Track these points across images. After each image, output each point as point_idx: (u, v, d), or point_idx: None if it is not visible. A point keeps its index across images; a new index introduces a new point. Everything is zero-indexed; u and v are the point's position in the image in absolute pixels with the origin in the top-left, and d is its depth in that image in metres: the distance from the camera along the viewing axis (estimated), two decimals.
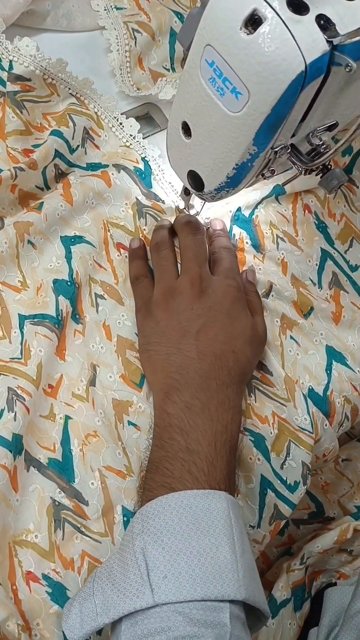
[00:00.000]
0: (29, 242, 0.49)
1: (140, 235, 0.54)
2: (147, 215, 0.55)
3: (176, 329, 0.48)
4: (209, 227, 0.55)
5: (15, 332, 0.47)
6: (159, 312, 0.49)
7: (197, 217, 0.54)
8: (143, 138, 0.57)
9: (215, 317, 0.48)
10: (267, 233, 0.56)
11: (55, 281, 0.49)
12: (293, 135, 0.41)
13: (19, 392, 0.44)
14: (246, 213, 0.56)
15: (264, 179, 0.44)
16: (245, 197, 0.56)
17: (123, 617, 0.38)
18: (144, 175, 0.55)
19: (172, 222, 0.54)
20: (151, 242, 0.53)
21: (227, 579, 0.38)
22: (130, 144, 0.56)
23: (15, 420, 0.43)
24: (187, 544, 0.39)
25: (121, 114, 0.57)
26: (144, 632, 0.37)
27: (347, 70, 0.35)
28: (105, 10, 0.60)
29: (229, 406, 0.46)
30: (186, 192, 0.52)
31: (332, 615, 0.57)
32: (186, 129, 0.43)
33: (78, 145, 0.54)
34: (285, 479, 0.49)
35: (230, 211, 0.56)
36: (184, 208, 0.54)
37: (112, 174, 0.54)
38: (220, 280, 0.50)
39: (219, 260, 0.52)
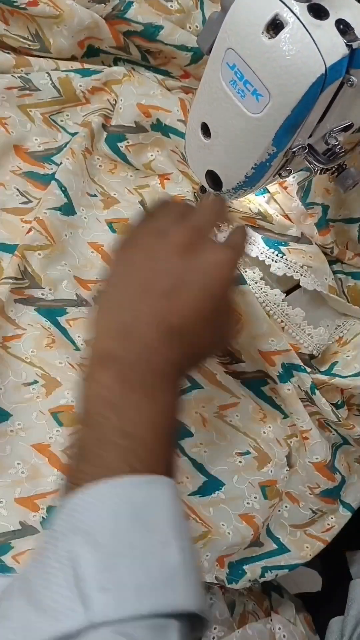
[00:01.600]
0: None
1: None
2: None
3: (139, 278, 0.39)
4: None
5: None
6: (135, 252, 0.40)
7: None
8: None
9: (190, 284, 0.38)
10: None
11: None
12: (310, 136, 0.42)
13: None
14: None
15: (281, 178, 0.45)
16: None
17: None
18: None
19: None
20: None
21: (178, 586, 0.30)
22: None
23: None
24: (128, 544, 0.31)
25: None
26: None
27: (349, 85, 0.37)
28: None
29: (172, 385, 0.38)
30: (202, 190, 0.53)
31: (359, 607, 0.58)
32: (205, 130, 0.44)
33: None
34: None
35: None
36: None
37: None
38: (219, 248, 0.40)
39: (232, 234, 0.44)
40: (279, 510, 0.54)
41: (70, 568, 0.29)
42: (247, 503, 0.52)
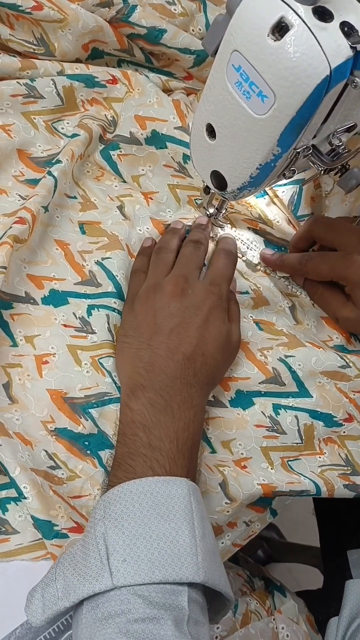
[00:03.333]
0: None
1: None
2: None
3: (150, 324, 0.49)
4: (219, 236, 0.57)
5: None
6: (139, 306, 0.50)
7: (214, 217, 0.56)
8: None
9: (190, 318, 0.49)
10: None
11: None
12: (314, 137, 0.42)
13: None
14: None
15: (285, 178, 0.46)
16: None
17: (84, 601, 0.39)
18: None
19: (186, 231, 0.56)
20: (157, 243, 0.56)
21: (186, 562, 0.39)
22: None
23: None
24: (147, 529, 0.40)
25: None
26: (104, 615, 0.38)
27: (353, 86, 0.38)
28: None
29: (191, 405, 0.47)
30: (206, 191, 0.54)
31: (353, 607, 0.58)
32: (211, 131, 0.45)
33: None
34: None
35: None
36: (204, 206, 0.56)
37: None
38: (204, 285, 0.51)
39: (213, 263, 0.53)
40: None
41: (103, 545, 0.39)
42: None
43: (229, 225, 0.58)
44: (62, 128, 0.58)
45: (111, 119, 0.59)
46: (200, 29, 0.61)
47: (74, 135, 0.56)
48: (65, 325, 0.51)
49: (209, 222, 0.56)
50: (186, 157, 0.58)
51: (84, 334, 0.51)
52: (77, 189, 0.57)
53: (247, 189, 0.46)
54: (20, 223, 0.49)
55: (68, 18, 0.55)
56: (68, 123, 0.58)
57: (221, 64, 0.41)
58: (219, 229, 0.57)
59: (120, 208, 0.57)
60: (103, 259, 0.54)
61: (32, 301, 0.51)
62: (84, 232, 0.55)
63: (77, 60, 0.59)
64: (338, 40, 0.36)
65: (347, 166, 0.46)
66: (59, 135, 0.58)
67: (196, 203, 0.59)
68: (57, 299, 0.51)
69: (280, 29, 0.37)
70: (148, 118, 0.57)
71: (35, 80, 0.57)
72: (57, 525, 0.46)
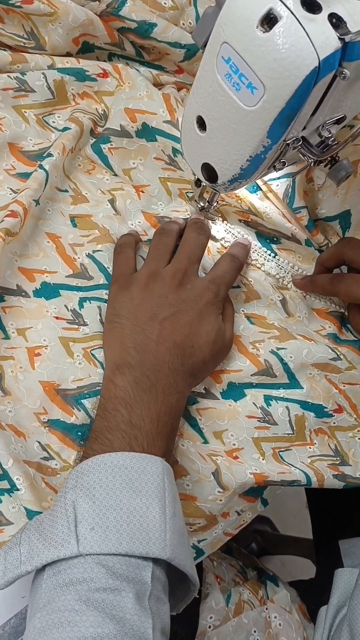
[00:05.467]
0: None
1: None
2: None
3: (147, 310, 0.50)
4: (235, 239, 0.58)
5: None
6: (137, 290, 0.51)
7: (206, 209, 0.56)
8: None
9: (185, 311, 0.50)
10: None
11: None
12: (304, 128, 0.43)
13: None
14: None
15: (275, 170, 0.46)
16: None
17: (46, 567, 0.39)
18: None
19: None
20: (159, 228, 0.56)
21: (154, 538, 0.39)
22: None
23: None
24: (118, 501, 0.40)
25: None
26: (65, 581, 0.37)
27: (341, 77, 0.38)
28: None
29: (175, 390, 0.47)
30: (197, 184, 0.54)
31: (341, 596, 0.59)
32: (201, 123, 0.45)
33: None
34: None
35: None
36: (195, 199, 0.56)
37: None
38: (203, 282, 0.52)
39: (217, 265, 0.54)
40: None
41: (72, 513, 0.39)
42: None
43: (220, 218, 0.59)
44: (53, 122, 0.58)
45: (102, 112, 0.59)
46: (190, 23, 0.61)
47: (65, 129, 0.56)
48: (57, 318, 0.51)
49: (203, 217, 0.57)
50: (176, 151, 0.58)
51: (76, 326, 0.51)
52: (68, 182, 0.57)
53: (238, 181, 0.46)
54: (11, 216, 0.49)
55: (58, 12, 0.55)
56: (59, 117, 0.58)
57: (211, 56, 0.41)
58: (210, 221, 0.58)
59: (112, 202, 0.57)
60: (94, 251, 0.54)
61: (23, 294, 0.51)
62: (75, 225, 0.55)
63: (68, 54, 0.59)
64: (326, 32, 0.37)
65: (337, 158, 0.46)
66: (50, 129, 0.58)
67: (187, 196, 0.59)
68: (48, 291, 0.52)
69: (269, 20, 0.37)
70: (138, 111, 0.57)
71: (26, 74, 0.57)
72: None
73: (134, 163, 0.59)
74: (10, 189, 0.55)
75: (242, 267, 0.56)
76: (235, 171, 0.45)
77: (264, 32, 0.37)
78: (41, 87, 0.57)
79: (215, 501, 0.50)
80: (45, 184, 0.54)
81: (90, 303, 0.52)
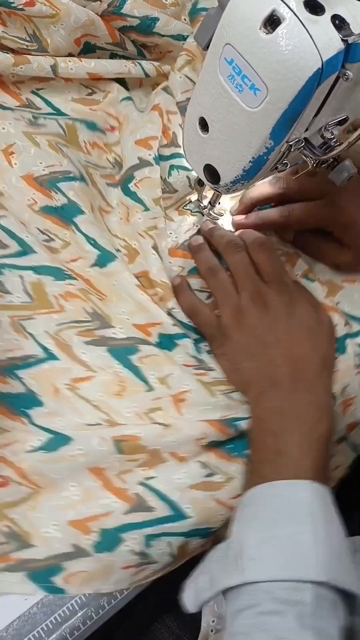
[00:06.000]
0: None
1: None
2: None
3: (256, 343, 0.51)
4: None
5: None
6: (235, 334, 0.52)
7: (208, 209, 0.56)
8: None
9: (284, 324, 0.52)
10: None
11: None
12: (306, 130, 0.43)
13: None
14: None
15: (278, 172, 0.46)
16: None
17: (226, 594, 0.43)
18: None
19: (207, 239, 0.56)
20: (201, 266, 0.56)
21: (309, 563, 0.41)
22: None
23: None
24: (273, 531, 0.43)
25: None
26: (239, 606, 0.42)
27: (344, 79, 0.38)
28: None
29: (317, 405, 0.49)
30: (200, 183, 0.54)
31: None
32: (203, 125, 0.45)
33: None
34: None
35: None
36: (197, 199, 0.56)
37: None
38: (274, 287, 0.53)
39: (260, 264, 0.54)
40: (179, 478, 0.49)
41: (238, 544, 0.43)
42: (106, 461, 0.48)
43: (223, 218, 0.59)
44: (68, 149, 0.57)
45: (113, 161, 0.59)
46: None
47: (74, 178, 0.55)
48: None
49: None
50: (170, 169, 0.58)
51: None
52: (117, 241, 0.57)
53: (240, 182, 0.46)
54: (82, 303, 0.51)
55: (60, 13, 0.55)
56: (73, 153, 0.57)
57: (213, 58, 0.41)
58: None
59: (154, 247, 0.56)
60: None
61: (148, 342, 0.52)
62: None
63: (70, 55, 0.59)
64: (329, 33, 0.36)
65: (339, 159, 0.46)
66: (63, 154, 0.56)
67: (186, 209, 0.59)
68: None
69: (272, 22, 0.37)
70: (150, 138, 0.57)
71: (38, 118, 0.57)
72: None
73: (160, 192, 0.57)
74: (38, 229, 0.53)
75: (273, 246, 0.56)
76: (238, 172, 0.45)
77: (266, 33, 0.37)
78: (53, 125, 0.57)
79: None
80: (94, 246, 0.54)
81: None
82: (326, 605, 0.41)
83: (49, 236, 0.53)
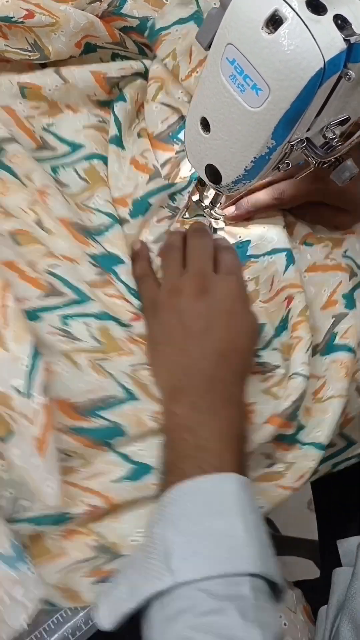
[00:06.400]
0: None
1: None
2: None
3: (179, 329, 0.49)
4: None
5: None
6: (164, 313, 0.50)
7: (209, 210, 0.56)
8: None
9: (217, 316, 0.49)
10: None
11: None
12: (308, 129, 0.43)
13: None
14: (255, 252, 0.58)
15: (279, 171, 0.46)
16: (260, 235, 0.58)
17: (152, 602, 0.40)
18: None
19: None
20: (162, 245, 0.55)
21: (244, 555, 0.40)
22: None
23: None
24: (202, 527, 0.41)
25: None
26: (172, 613, 0.39)
27: (346, 79, 0.38)
28: None
29: (233, 402, 0.48)
30: (201, 183, 0.54)
31: (340, 595, 0.59)
32: (205, 125, 0.45)
33: None
34: None
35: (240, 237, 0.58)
36: (198, 199, 0.56)
37: None
38: (222, 277, 0.52)
39: (219, 256, 0.54)
40: None
41: (162, 546, 0.41)
42: None
43: (224, 219, 0.59)
44: (94, 203, 0.56)
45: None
46: None
47: (109, 214, 0.55)
48: None
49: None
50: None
51: None
52: None
53: (242, 182, 0.46)
54: None
55: (59, 20, 0.54)
56: (98, 196, 0.56)
57: (215, 58, 0.41)
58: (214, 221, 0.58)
59: None
60: None
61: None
62: None
63: (71, 57, 0.59)
64: (332, 33, 0.37)
65: (341, 159, 0.46)
66: (90, 211, 0.55)
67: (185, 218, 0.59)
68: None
69: (274, 22, 0.37)
70: (126, 196, 0.56)
71: (57, 171, 0.56)
72: None
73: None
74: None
75: (236, 253, 0.56)
76: (239, 172, 0.45)
77: (269, 33, 0.37)
78: (73, 180, 0.56)
79: None
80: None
81: None
82: (263, 598, 0.40)
83: None
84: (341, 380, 0.53)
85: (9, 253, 0.49)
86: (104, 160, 0.57)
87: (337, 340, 0.55)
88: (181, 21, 0.57)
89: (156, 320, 0.51)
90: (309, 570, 0.94)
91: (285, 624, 0.58)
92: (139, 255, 0.55)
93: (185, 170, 0.58)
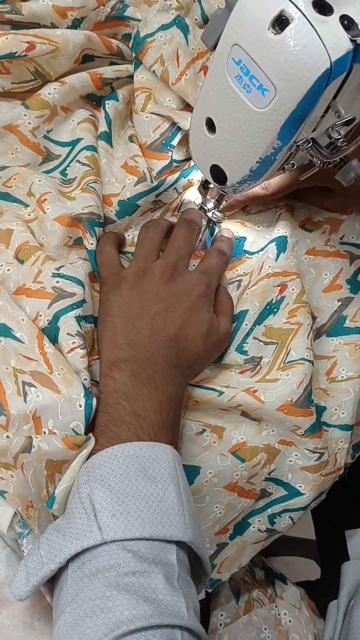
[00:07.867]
0: None
1: None
2: None
3: (137, 307, 0.49)
4: (218, 232, 0.57)
5: None
6: (126, 289, 0.50)
7: (212, 212, 0.56)
8: None
9: (177, 304, 0.50)
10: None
11: None
12: (314, 130, 0.43)
13: None
14: (250, 248, 0.59)
15: (285, 172, 0.46)
16: (256, 235, 0.59)
17: (68, 563, 0.38)
18: None
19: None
20: (145, 223, 0.55)
21: (175, 521, 0.40)
22: None
23: None
24: (135, 488, 0.40)
25: None
26: (91, 571, 0.37)
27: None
28: None
29: (174, 381, 0.48)
30: (204, 186, 0.54)
31: (350, 588, 0.60)
32: (210, 125, 0.45)
33: None
34: None
35: (237, 232, 0.59)
36: (201, 202, 0.56)
37: None
38: (194, 274, 0.52)
39: (206, 258, 0.55)
40: (291, 460, 0.54)
41: (90, 504, 0.39)
42: (236, 474, 0.52)
43: (226, 220, 0.59)
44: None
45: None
46: (196, 19, 0.61)
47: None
48: None
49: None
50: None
51: None
52: None
53: (247, 183, 0.46)
54: None
55: (59, 45, 0.55)
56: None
57: (221, 58, 0.41)
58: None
59: None
60: None
61: None
62: None
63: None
64: (338, 34, 0.37)
65: (346, 159, 0.46)
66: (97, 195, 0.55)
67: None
68: None
69: (280, 22, 0.37)
70: (111, 195, 0.56)
71: (66, 173, 0.57)
72: None
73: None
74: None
75: (229, 261, 0.56)
76: (245, 173, 0.45)
77: (275, 34, 0.37)
78: (79, 169, 0.56)
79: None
80: None
81: None
82: (184, 570, 0.40)
83: None
84: (358, 362, 0.56)
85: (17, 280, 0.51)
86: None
87: (348, 323, 0.57)
88: (164, 27, 0.57)
89: (115, 293, 0.50)
90: (311, 570, 0.94)
91: (290, 621, 0.58)
92: (110, 234, 0.54)
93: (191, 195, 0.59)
